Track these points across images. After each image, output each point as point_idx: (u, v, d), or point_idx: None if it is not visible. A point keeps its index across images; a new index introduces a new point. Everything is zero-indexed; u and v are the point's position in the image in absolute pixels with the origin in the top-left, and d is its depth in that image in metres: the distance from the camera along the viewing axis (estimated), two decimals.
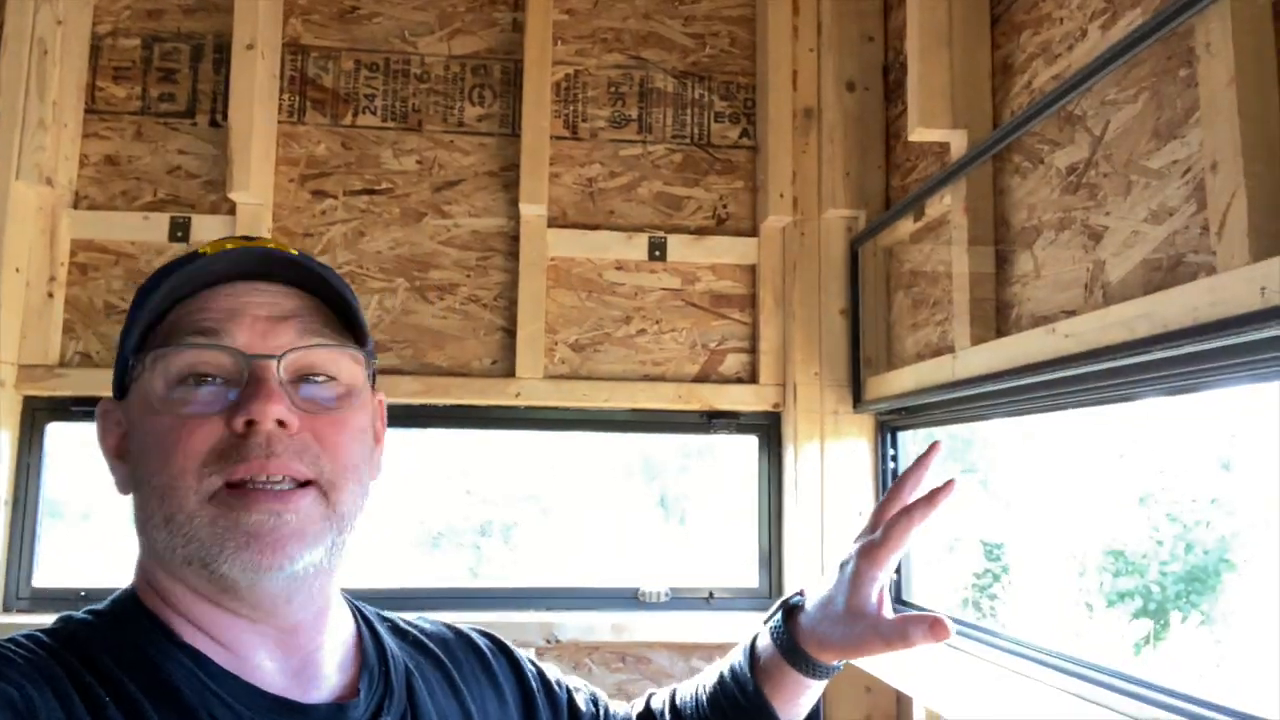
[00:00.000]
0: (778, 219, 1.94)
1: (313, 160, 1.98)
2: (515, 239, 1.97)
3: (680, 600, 1.93)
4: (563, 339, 1.97)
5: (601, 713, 0.86)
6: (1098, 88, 1.14)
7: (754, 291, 2.00)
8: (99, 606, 0.63)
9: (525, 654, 0.86)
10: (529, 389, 1.90)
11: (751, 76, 2.07)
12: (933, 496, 0.75)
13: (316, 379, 0.64)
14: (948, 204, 1.51)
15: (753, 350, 1.99)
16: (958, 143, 1.45)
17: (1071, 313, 1.18)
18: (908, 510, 0.75)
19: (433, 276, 1.97)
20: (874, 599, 0.75)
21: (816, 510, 1.88)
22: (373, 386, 0.70)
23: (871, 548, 0.75)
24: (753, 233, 2.01)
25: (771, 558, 1.97)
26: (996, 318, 1.37)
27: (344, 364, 0.66)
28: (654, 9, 2.08)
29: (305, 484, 0.61)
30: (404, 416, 1.90)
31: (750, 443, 1.98)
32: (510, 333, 1.94)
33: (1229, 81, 0.86)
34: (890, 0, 1.91)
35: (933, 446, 0.78)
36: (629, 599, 1.92)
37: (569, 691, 0.85)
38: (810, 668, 0.78)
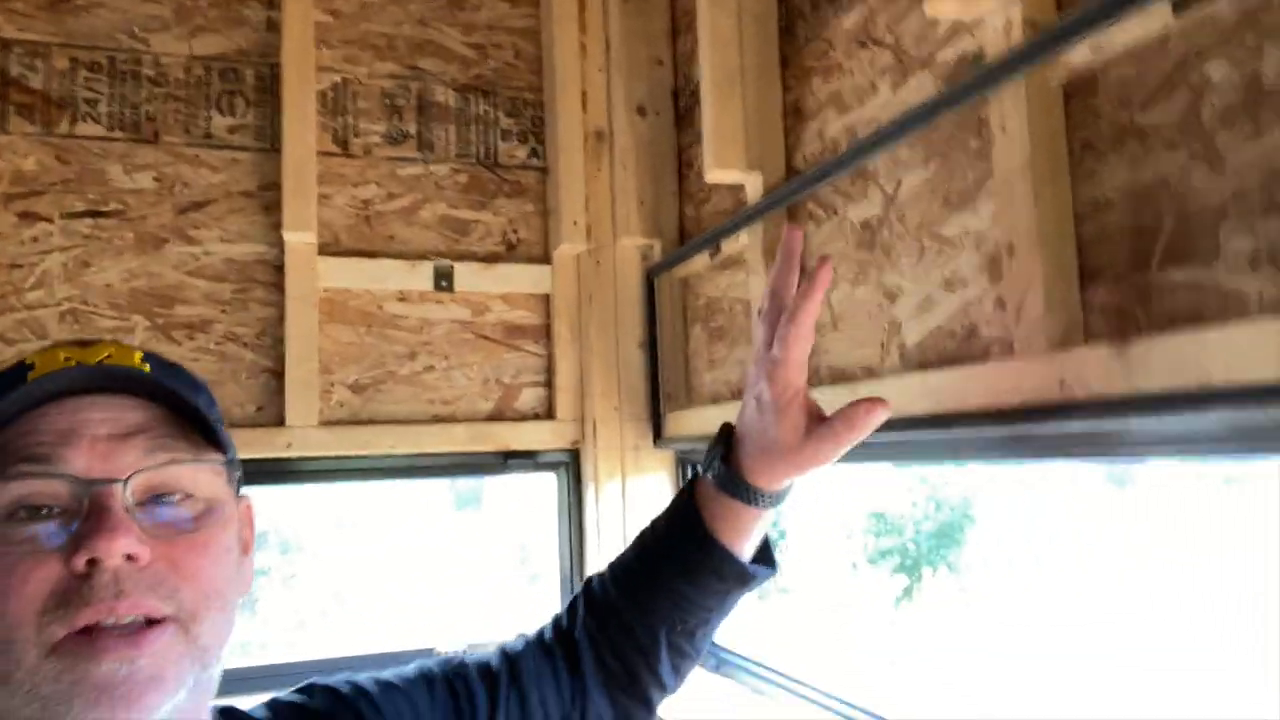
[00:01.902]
0: (571, 246, 1.85)
1: (19, 177, 1.65)
2: (280, 268, 1.75)
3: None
4: (340, 379, 1.78)
5: (503, 669, 0.84)
6: (889, 147, 1.14)
7: (548, 322, 1.90)
8: None
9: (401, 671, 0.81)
10: (302, 438, 1.70)
11: (539, 93, 1.96)
12: (812, 283, 0.74)
13: (170, 499, 0.59)
14: (744, 243, 1.48)
15: (549, 385, 1.89)
16: (753, 184, 1.42)
17: (869, 369, 1.19)
18: (793, 317, 0.74)
19: (179, 313, 1.71)
20: (806, 417, 0.76)
21: (620, 546, 1.82)
22: (237, 492, 0.66)
23: (776, 370, 0.75)
24: (545, 260, 1.91)
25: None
26: None
27: (202, 478, 0.60)
28: (430, 15, 1.92)
29: (161, 620, 0.55)
30: None
31: (549, 481, 1.89)
32: (278, 375, 1.73)
33: (1024, 164, 0.86)
34: (678, 24, 1.86)
35: (823, 264, 0.76)
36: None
37: (469, 669, 0.83)
38: (753, 495, 0.78)
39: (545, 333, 1.91)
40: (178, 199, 1.73)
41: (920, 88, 1.10)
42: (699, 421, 1.66)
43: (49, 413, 0.57)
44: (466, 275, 1.86)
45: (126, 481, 0.56)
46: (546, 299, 1.91)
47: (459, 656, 0.85)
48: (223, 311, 1.73)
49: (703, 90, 1.42)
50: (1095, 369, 0.77)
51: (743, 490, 0.78)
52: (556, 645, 0.86)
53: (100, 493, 0.55)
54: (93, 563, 0.53)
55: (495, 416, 1.85)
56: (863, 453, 1.20)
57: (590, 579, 0.91)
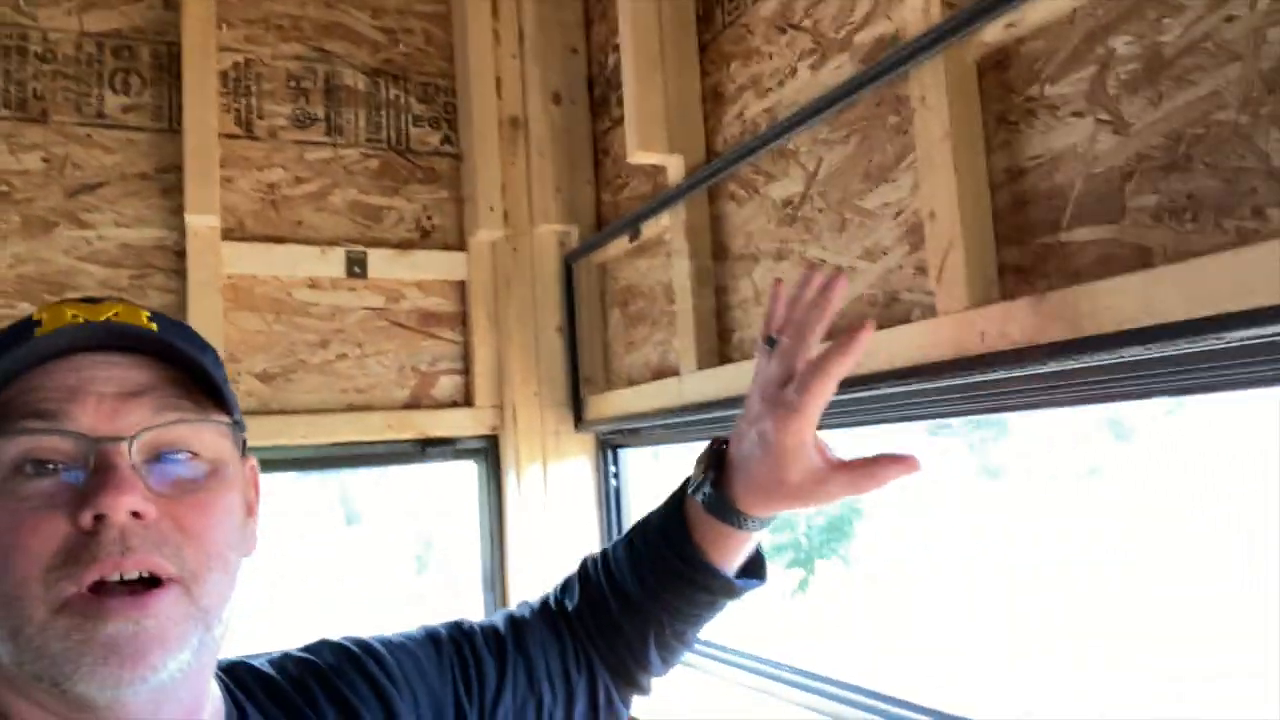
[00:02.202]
0: (488, 233, 1.84)
1: None
2: (181, 254, 1.68)
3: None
4: (248, 369, 1.72)
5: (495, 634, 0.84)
6: (810, 125, 1.19)
7: (465, 309, 1.89)
8: None
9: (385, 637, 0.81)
10: None
11: (451, 79, 1.95)
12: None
13: (176, 457, 0.59)
14: (664, 225, 1.52)
15: (467, 371, 1.88)
16: (675, 167, 1.45)
17: None
18: (822, 369, 0.72)
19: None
20: (819, 461, 0.74)
21: (541, 531, 1.83)
22: (243, 454, 0.65)
23: (791, 418, 0.72)
24: (461, 247, 1.89)
25: (495, 581, 1.88)
26: (719, 341, 1.40)
27: (207, 438, 0.60)
28: None
29: (164, 581, 0.55)
30: None
31: (469, 468, 1.88)
32: None
33: (944, 135, 0.92)
34: (591, 13, 1.88)
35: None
36: None
37: (458, 637, 0.82)
38: (745, 521, 0.78)
39: (462, 319, 1.89)
40: (68, 181, 1.64)
41: (839, 69, 1.15)
42: (619, 403, 1.68)
43: (56, 369, 0.57)
44: (380, 262, 1.82)
45: (133, 440, 0.56)
46: (462, 286, 1.89)
47: (466, 622, 0.85)
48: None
49: (624, 73, 1.44)
50: (1014, 322, 0.83)
51: (733, 517, 0.77)
52: (559, 617, 0.87)
53: (107, 450, 0.55)
54: (99, 519, 0.54)
55: (412, 404, 1.83)
56: None
57: (585, 560, 0.90)
